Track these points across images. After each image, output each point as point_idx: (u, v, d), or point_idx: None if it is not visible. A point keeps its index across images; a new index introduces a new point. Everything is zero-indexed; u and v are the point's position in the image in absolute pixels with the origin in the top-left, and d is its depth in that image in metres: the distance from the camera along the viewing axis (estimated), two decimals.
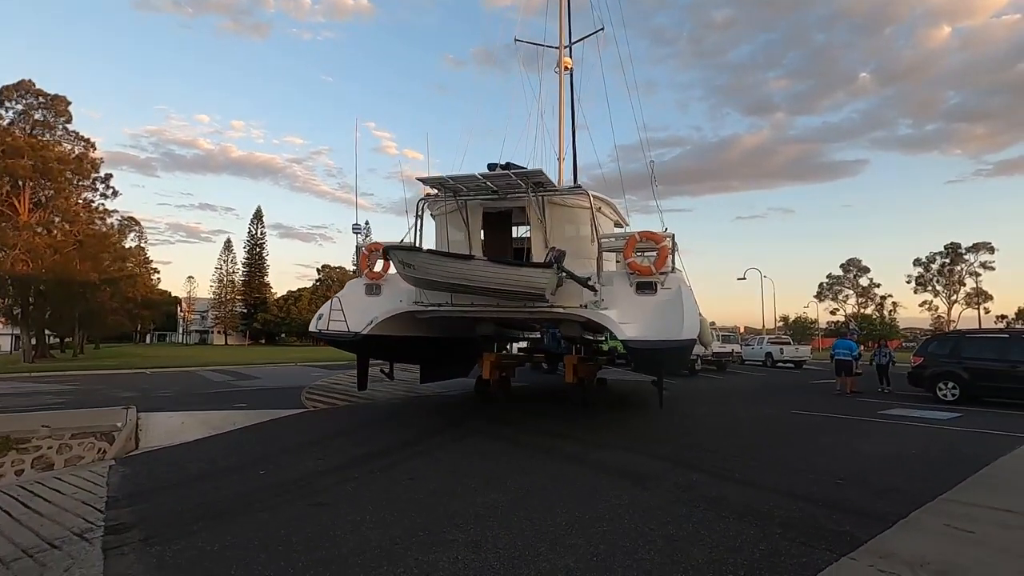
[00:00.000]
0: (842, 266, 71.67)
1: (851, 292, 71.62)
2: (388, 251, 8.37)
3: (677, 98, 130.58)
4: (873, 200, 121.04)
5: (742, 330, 47.78)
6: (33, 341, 34.50)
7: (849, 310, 70.46)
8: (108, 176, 38.22)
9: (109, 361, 31.72)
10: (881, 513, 4.94)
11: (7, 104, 33.56)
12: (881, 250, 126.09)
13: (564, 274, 7.82)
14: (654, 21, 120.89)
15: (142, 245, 55.40)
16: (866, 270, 70.76)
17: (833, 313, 71.63)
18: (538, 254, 9.29)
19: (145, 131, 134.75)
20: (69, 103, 35.38)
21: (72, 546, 4.41)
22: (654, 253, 8.71)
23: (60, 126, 35.31)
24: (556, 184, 9.64)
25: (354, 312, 9.26)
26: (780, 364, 27.56)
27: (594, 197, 9.30)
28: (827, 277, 72.51)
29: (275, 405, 12.13)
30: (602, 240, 8.89)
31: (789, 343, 29.87)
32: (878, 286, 70.46)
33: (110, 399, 14.01)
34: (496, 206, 9.69)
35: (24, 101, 33.97)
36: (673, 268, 8.72)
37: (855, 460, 7.16)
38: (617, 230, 10.62)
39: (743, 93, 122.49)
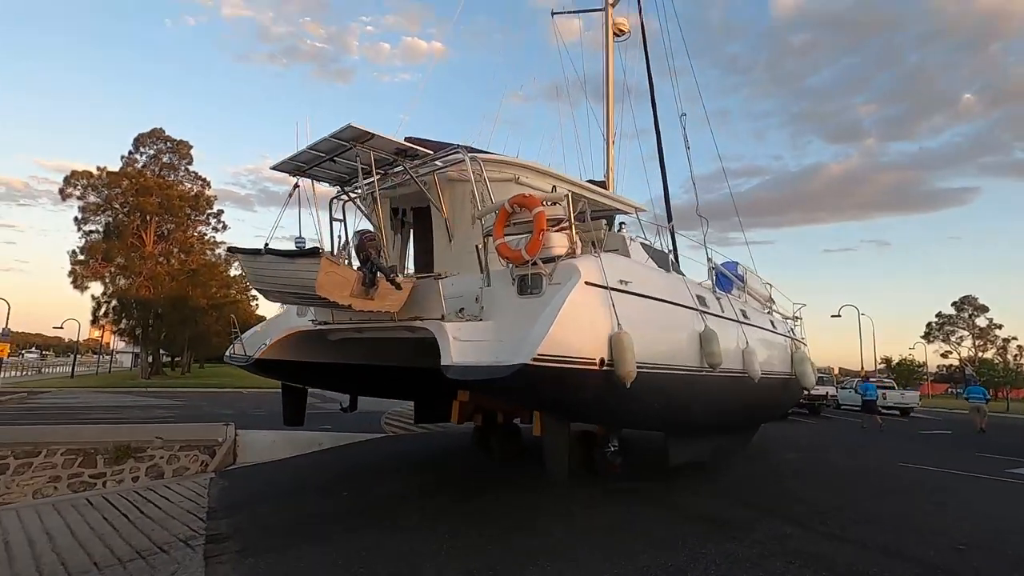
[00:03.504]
0: (954, 304, 65.00)
1: (966, 333, 64.57)
2: (231, 252, 7.02)
3: (753, 127, 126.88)
4: (987, 231, 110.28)
5: (836, 371, 44.25)
6: (150, 359, 38.32)
7: (964, 353, 63.44)
8: (220, 212, 42.27)
9: (211, 380, 34.42)
10: None
11: (142, 149, 38.24)
12: (1001, 287, 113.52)
13: (370, 266, 5.66)
14: (726, 50, 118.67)
15: (243, 274, 60.30)
16: (984, 309, 63.69)
17: (944, 356, 64.77)
18: (440, 252, 7.31)
19: (245, 169, 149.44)
20: (191, 147, 39.77)
21: (178, 551, 4.78)
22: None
23: (183, 167, 39.68)
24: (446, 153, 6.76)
25: (273, 334, 7.57)
26: (883, 410, 25.14)
27: (495, 161, 6.81)
28: (936, 316, 65.96)
29: (356, 428, 12.60)
30: (482, 217, 6.14)
31: (892, 387, 27.22)
32: (999, 327, 63.12)
33: (212, 415, 15.16)
34: (400, 193, 7.55)
35: (155, 147, 38.56)
36: (596, 248, 6.00)
37: (979, 523, 6.32)
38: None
39: (826, 120, 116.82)
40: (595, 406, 5.68)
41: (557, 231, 5.64)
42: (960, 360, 62.09)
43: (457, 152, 6.66)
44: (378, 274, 5.66)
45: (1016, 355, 60.94)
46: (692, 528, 5.68)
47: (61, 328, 45.21)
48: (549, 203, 5.83)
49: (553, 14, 11.66)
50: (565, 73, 11.52)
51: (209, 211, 41.01)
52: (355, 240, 6.03)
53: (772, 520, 6.07)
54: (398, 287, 5.79)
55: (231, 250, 6.54)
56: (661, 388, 6.07)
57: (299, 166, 6.92)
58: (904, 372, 51.89)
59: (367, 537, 5.16)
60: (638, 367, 5.24)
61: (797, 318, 11.78)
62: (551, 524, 5.64)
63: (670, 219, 10.94)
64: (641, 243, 7.80)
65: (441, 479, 7.60)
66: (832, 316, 42.11)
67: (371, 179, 6.52)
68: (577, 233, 5.80)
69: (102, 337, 54.31)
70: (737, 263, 10.01)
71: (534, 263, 5.48)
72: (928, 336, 65.14)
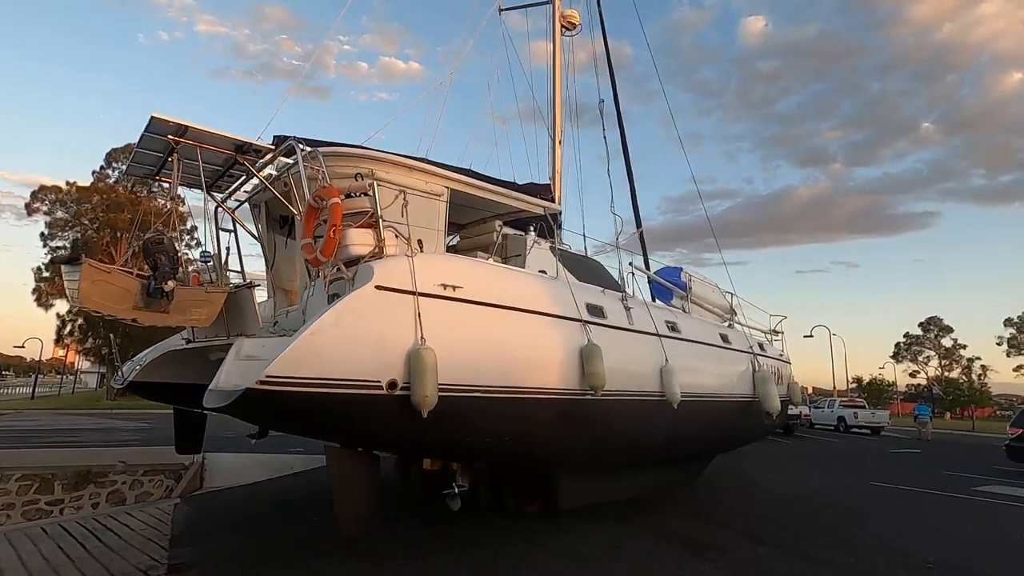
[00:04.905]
0: (921, 325, 66.75)
1: (933, 353, 66.36)
2: (52, 263, 5.99)
3: (725, 150, 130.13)
4: (949, 255, 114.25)
5: (810, 391, 44.96)
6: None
7: (931, 373, 65.09)
8: (193, 228, 41.54)
9: None
10: None
11: (114, 165, 37.53)
12: (963, 308, 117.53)
13: (153, 278, 4.75)
14: (698, 75, 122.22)
15: None
16: (948, 330, 65.49)
17: (912, 376, 66.31)
18: (301, 260, 5.99)
19: None
20: None
21: None
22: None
23: (156, 183, 39.00)
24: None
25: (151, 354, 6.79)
26: (855, 430, 25.56)
27: (340, 154, 5.53)
28: (904, 337, 67.65)
29: None
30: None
31: (864, 407, 27.74)
32: (963, 347, 65.01)
33: None
34: (269, 197, 6.41)
35: (127, 161, 37.89)
36: (419, 244, 5.13)
37: (948, 542, 6.42)
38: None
39: (795, 143, 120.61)
40: (392, 439, 4.78)
41: (361, 227, 4.78)
42: (928, 380, 63.63)
43: (288, 142, 5.47)
44: (168, 283, 4.78)
45: (980, 375, 62.75)
46: (667, 549, 5.66)
47: (22, 347, 43.66)
48: (358, 194, 4.97)
49: (501, 10, 10.42)
50: (519, 72, 10.12)
51: (182, 227, 40.25)
52: (140, 245, 5.15)
53: (748, 542, 6.08)
54: (162, 295, 4.75)
55: (53, 260, 5.81)
56: (504, 415, 4.96)
57: (146, 169, 6.03)
58: (875, 391, 52.94)
59: (336, 562, 5.01)
60: (465, 391, 4.53)
61: (776, 332, 10.59)
62: (532, 550, 5.56)
63: (639, 224, 10.01)
64: (555, 248, 6.83)
65: (415, 502, 7.44)
66: (805, 336, 43.15)
67: (236, 184, 6.02)
68: (388, 228, 4.86)
69: (66, 357, 52.51)
70: (681, 269, 9.09)
71: (351, 264, 4.69)
72: (897, 356, 66.72)
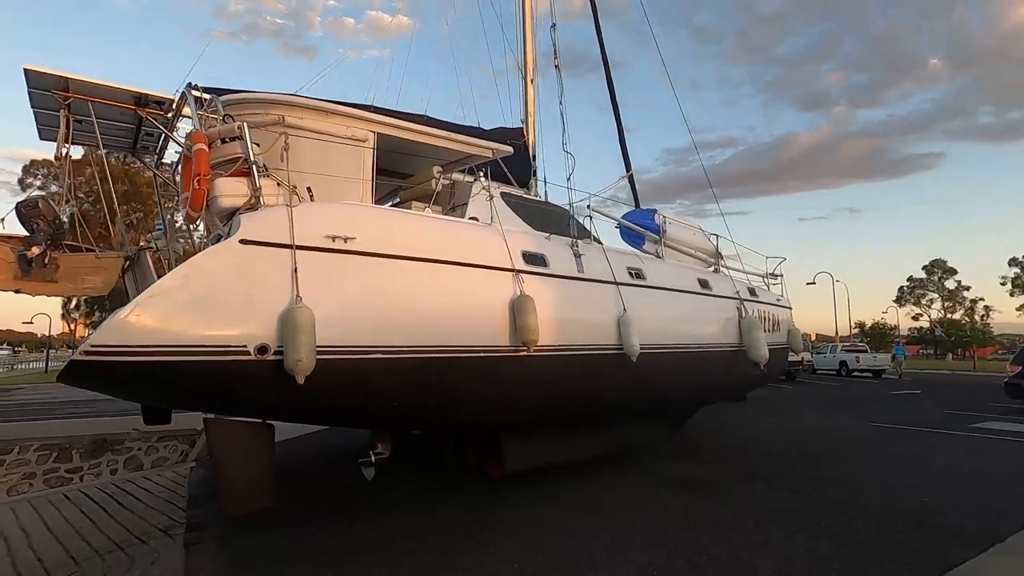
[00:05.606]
0: (925, 268, 66.60)
1: (936, 296, 66.45)
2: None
3: (725, 97, 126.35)
4: (954, 196, 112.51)
5: (814, 338, 45.33)
6: None
7: (935, 315, 65.37)
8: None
9: None
10: (973, 535, 4.53)
11: None
12: (969, 250, 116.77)
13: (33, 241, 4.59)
14: (696, 19, 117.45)
15: None
16: (952, 272, 65.37)
17: (915, 319, 66.66)
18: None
19: None
20: None
21: (157, 541, 4.75)
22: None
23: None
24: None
25: None
26: (856, 373, 25.91)
27: (244, 101, 4.98)
28: (907, 280, 67.63)
29: None
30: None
31: (866, 350, 28.02)
32: (967, 289, 65.03)
33: None
34: None
35: None
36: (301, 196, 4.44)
37: (944, 477, 6.60)
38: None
39: (797, 88, 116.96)
40: (271, 407, 4.33)
41: (233, 175, 4.24)
42: (931, 322, 63.95)
43: (183, 90, 4.94)
44: (32, 249, 4.44)
45: (983, 315, 62.98)
46: (664, 490, 5.84)
47: (31, 323, 44.02)
48: (229, 139, 4.33)
49: None
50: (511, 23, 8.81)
51: (178, 196, 39.95)
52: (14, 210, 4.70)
53: (746, 481, 6.25)
54: (28, 262, 4.45)
55: None
56: (413, 378, 4.58)
57: (50, 131, 5.41)
58: (877, 336, 53.34)
59: (347, 521, 5.18)
60: (361, 353, 4.21)
61: (775, 276, 9.85)
62: (534, 501, 5.73)
63: (628, 167, 9.30)
64: (505, 193, 6.31)
65: (434, 464, 7.62)
66: (807, 283, 43.14)
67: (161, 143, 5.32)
68: (268, 176, 4.32)
69: (74, 331, 53.14)
70: (655, 211, 8.32)
71: (230, 215, 4.22)
72: (900, 300, 66.88)
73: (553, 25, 8.52)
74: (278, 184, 4.34)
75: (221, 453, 4.36)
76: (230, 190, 4.20)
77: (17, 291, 4.56)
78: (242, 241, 3.97)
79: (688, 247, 8.51)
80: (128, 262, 5.04)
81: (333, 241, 4.30)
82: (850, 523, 4.82)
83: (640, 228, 8.19)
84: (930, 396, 16.85)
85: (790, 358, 23.59)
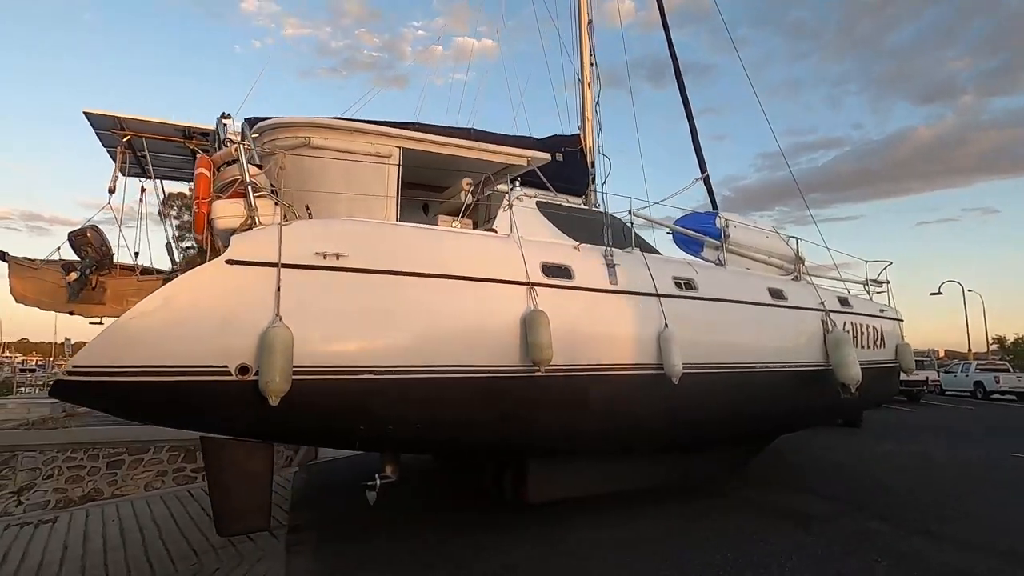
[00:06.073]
0: None
1: None
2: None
3: (827, 95, 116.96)
4: None
5: (942, 354, 40.55)
6: None
7: None
8: None
9: None
10: None
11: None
12: None
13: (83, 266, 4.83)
14: (790, 16, 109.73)
15: None
16: None
17: None
18: None
19: None
20: None
21: (263, 540, 5.15)
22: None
23: None
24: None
25: None
26: (996, 396, 22.75)
27: (274, 126, 5.11)
28: None
29: None
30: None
31: (1007, 369, 24.55)
32: None
33: None
34: None
35: None
36: (289, 214, 4.56)
37: None
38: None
39: (912, 79, 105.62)
40: (256, 428, 4.15)
41: (231, 197, 4.32)
42: None
43: (220, 120, 5.05)
44: (70, 275, 4.74)
45: None
46: (774, 524, 5.44)
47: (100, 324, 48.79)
48: (230, 163, 4.47)
49: None
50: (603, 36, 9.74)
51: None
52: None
53: (857, 514, 5.69)
54: (72, 287, 4.70)
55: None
56: (409, 398, 4.38)
57: (116, 165, 5.60)
58: (1022, 353, 46.68)
59: (431, 531, 5.33)
60: (351, 373, 4.07)
61: (880, 283, 8.76)
62: (586, 523, 5.58)
63: (703, 169, 8.48)
64: (543, 203, 6.03)
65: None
66: (932, 294, 38.65)
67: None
68: (264, 196, 4.36)
69: None
70: (716, 214, 7.55)
71: (223, 242, 4.26)
72: None
73: (589, 21, 8.11)
74: (276, 204, 4.38)
75: (214, 472, 4.22)
76: (226, 212, 4.27)
77: (71, 312, 4.86)
78: (228, 261, 4.00)
79: (760, 253, 7.67)
80: (165, 283, 5.46)
81: (324, 258, 4.23)
82: (983, 569, 4.23)
83: (695, 233, 7.37)
84: None
85: (909, 376, 21.31)
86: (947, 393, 24.55)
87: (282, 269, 4.04)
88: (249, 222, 4.25)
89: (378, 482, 4.78)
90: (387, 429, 4.50)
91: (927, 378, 21.98)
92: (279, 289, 3.98)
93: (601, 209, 6.77)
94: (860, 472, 8.07)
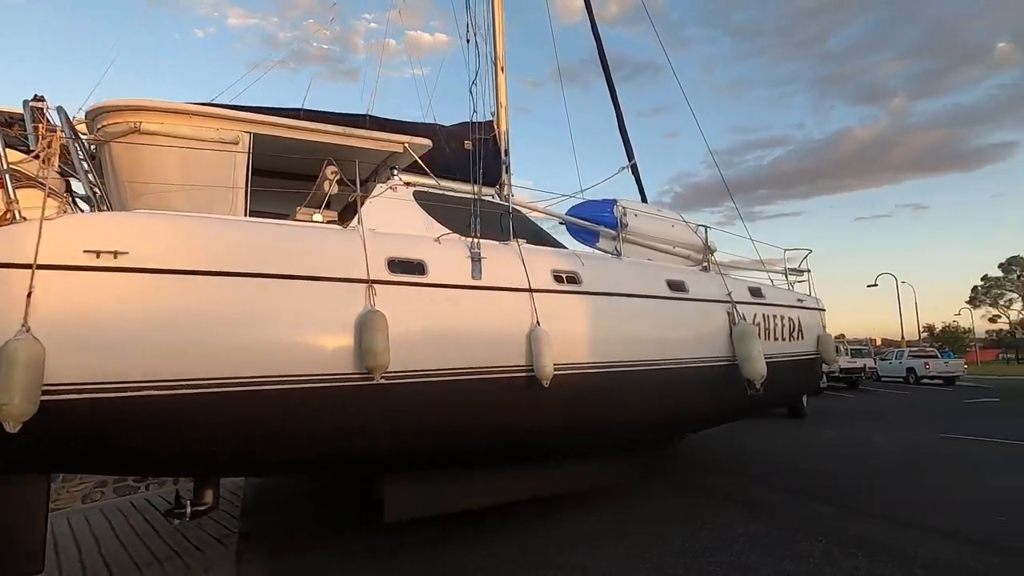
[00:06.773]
0: (1001, 266, 62.02)
1: (1015, 295, 61.73)
2: None
3: (773, 95, 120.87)
4: None
5: (879, 343, 42.89)
6: None
7: (1014, 317, 60.72)
8: None
9: None
10: None
11: None
12: None
13: None
14: (733, 18, 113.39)
15: None
16: None
17: (993, 321, 62.05)
18: None
19: None
20: None
21: (212, 550, 4.95)
22: None
23: None
24: None
25: None
26: (926, 381, 24.32)
27: (104, 109, 4.57)
28: (982, 280, 63.13)
29: None
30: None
31: (936, 356, 26.26)
32: None
33: None
34: None
35: None
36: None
37: (1022, 493, 6.09)
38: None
39: (849, 82, 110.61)
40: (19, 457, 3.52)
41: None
42: (1010, 324, 59.45)
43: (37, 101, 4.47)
44: None
45: None
46: (720, 509, 5.62)
47: None
48: None
49: None
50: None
51: None
52: None
53: (802, 499, 5.95)
54: None
55: None
56: (208, 417, 3.78)
57: None
58: (949, 340, 50.03)
59: (399, 536, 5.25)
60: (130, 390, 3.53)
61: (798, 271, 8.35)
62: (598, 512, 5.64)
63: (630, 156, 8.01)
64: (420, 192, 5.49)
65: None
66: (868, 286, 40.95)
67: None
68: (24, 186, 3.79)
69: None
70: (614, 202, 6.97)
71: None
72: (974, 301, 62.50)
73: None
74: (48, 195, 3.72)
75: None
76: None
77: None
78: None
79: (664, 243, 7.20)
80: None
81: (97, 257, 3.63)
82: (916, 545, 4.50)
83: (586, 223, 6.89)
84: (1011, 404, 15.63)
85: (850, 363, 22.41)
86: (883, 379, 26.05)
87: (37, 271, 3.41)
88: (9, 217, 3.63)
89: (188, 510, 4.21)
90: (188, 451, 3.95)
91: (864, 365, 23.28)
92: (30, 295, 3.37)
93: (497, 201, 6.20)
94: (805, 458, 8.46)
